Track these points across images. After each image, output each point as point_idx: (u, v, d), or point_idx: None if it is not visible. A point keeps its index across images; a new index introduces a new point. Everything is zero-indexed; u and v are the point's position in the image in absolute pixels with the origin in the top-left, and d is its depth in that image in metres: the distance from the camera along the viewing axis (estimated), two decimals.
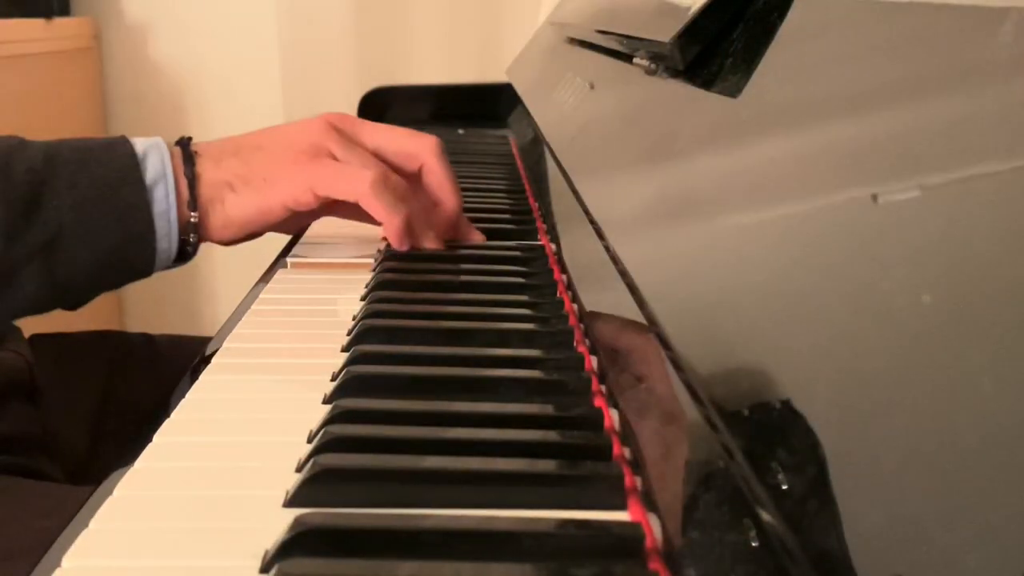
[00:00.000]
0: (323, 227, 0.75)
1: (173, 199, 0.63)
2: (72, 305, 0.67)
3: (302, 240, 0.74)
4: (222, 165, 0.65)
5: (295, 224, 0.73)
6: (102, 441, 0.81)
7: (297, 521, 0.34)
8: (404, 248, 0.65)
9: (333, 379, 0.47)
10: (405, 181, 0.66)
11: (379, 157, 0.66)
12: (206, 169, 0.64)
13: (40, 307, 0.63)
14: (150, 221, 0.62)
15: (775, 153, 0.42)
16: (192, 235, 0.65)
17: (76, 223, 0.61)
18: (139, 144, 0.64)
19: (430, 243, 0.67)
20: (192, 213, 0.64)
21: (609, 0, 0.82)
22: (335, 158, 0.64)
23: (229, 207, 0.65)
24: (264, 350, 0.53)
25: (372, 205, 0.63)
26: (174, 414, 0.44)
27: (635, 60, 0.65)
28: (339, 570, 0.32)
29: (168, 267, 0.68)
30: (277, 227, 0.70)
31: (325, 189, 0.63)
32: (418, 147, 0.68)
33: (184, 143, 0.65)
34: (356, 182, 0.63)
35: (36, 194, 0.60)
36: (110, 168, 0.62)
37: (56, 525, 0.35)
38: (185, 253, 0.67)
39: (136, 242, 0.62)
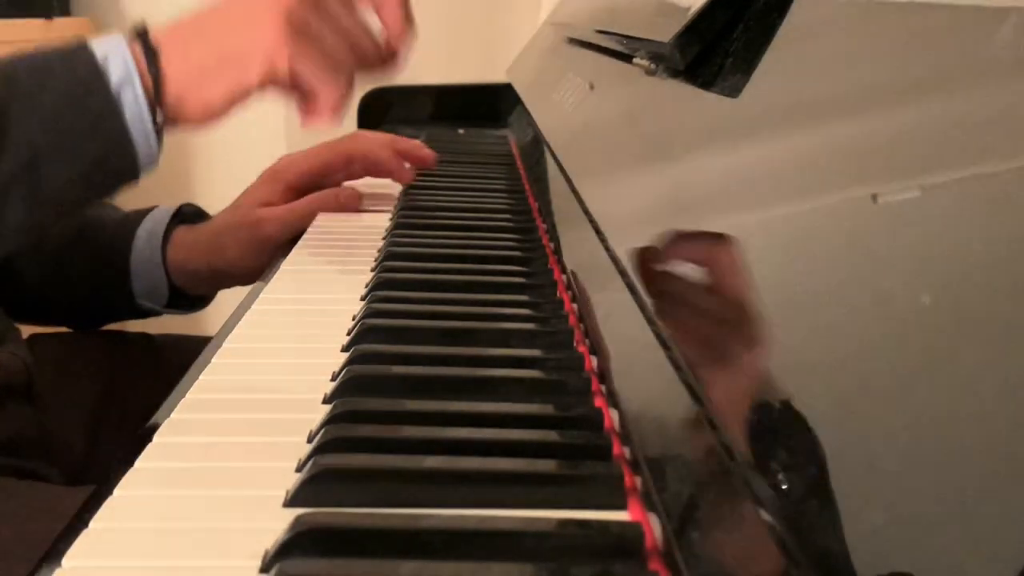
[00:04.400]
0: (324, 225, 0.76)
1: (143, 100, 0.61)
2: (63, 218, 0.66)
3: (307, 234, 0.75)
4: (190, 53, 0.63)
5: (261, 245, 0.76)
6: (101, 443, 0.81)
7: (297, 521, 0.34)
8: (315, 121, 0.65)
9: (333, 379, 0.47)
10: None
11: None
12: (172, 62, 0.62)
13: (32, 230, 0.62)
14: (123, 127, 0.60)
15: (775, 153, 0.42)
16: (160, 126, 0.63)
17: (49, 141, 0.59)
18: (99, 48, 0.61)
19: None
20: (159, 116, 0.62)
21: (609, 0, 0.82)
22: (308, 24, 0.63)
23: (205, 92, 0.62)
24: (264, 350, 0.53)
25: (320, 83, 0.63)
26: (174, 414, 0.44)
27: (635, 60, 0.65)
28: (339, 570, 0.32)
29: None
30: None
31: (301, 67, 0.62)
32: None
33: (143, 34, 0.63)
34: (314, 67, 0.62)
35: (1, 119, 0.58)
36: (72, 80, 0.60)
37: (53, 528, 0.35)
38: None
39: (114, 150, 0.61)
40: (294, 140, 1.39)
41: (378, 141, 0.87)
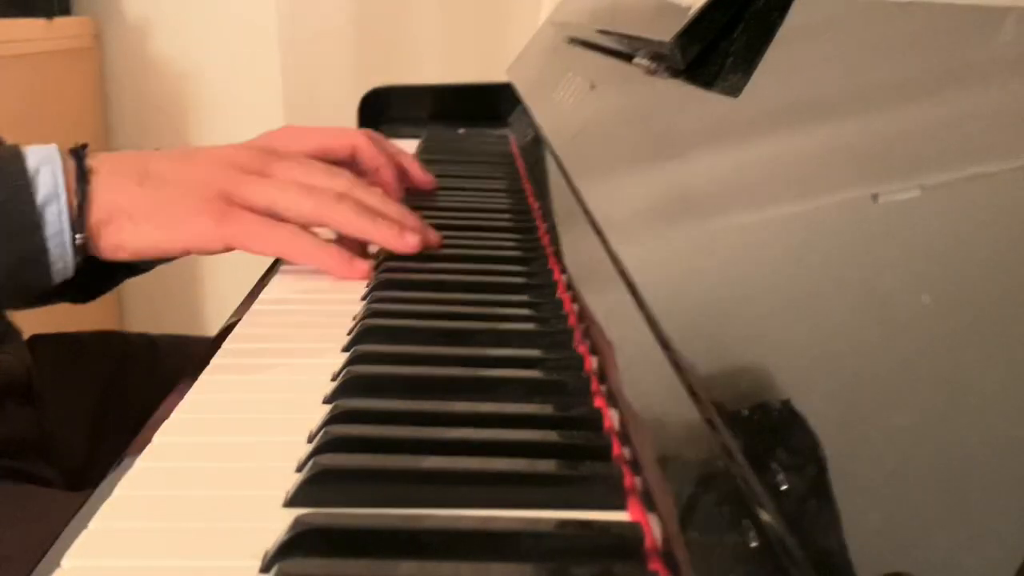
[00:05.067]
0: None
1: (66, 219, 0.60)
2: None
3: None
4: (122, 190, 0.61)
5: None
6: (101, 444, 0.81)
7: (297, 521, 0.34)
8: (352, 273, 0.64)
9: (333, 379, 0.47)
10: (354, 185, 0.65)
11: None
12: (100, 190, 0.61)
13: None
14: (43, 243, 0.60)
15: (775, 153, 0.42)
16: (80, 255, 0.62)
17: None
18: (32, 157, 0.60)
19: (385, 228, 0.65)
20: (78, 235, 0.60)
21: (609, 0, 0.82)
22: (250, 192, 0.62)
23: (124, 234, 0.61)
24: (264, 350, 0.53)
25: (303, 255, 0.63)
26: (174, 414, 0.44)
27: (635, 60, 0.65)
28: (339, 570, 0.32)
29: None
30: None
31: (242, 245, 0.61)
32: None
33: (79, 154, 0.62)
34: (274, 242, 0.62)
35: None
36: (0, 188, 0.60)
37: (52, 531, 0.35)
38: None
39: (30, 264, 0.60)
40: None
41: (383, 151, 0.83)
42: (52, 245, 0.60)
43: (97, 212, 0.61)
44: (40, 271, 0.60)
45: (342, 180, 0.65)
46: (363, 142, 0.78)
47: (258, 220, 0.61)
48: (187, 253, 0.62)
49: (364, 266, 0.64)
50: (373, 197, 0.66)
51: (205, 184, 0.62)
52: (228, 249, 0.62)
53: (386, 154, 0.79)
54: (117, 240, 0.61)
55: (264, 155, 0.65)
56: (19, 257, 0.60)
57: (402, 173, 0.83)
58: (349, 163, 0.80)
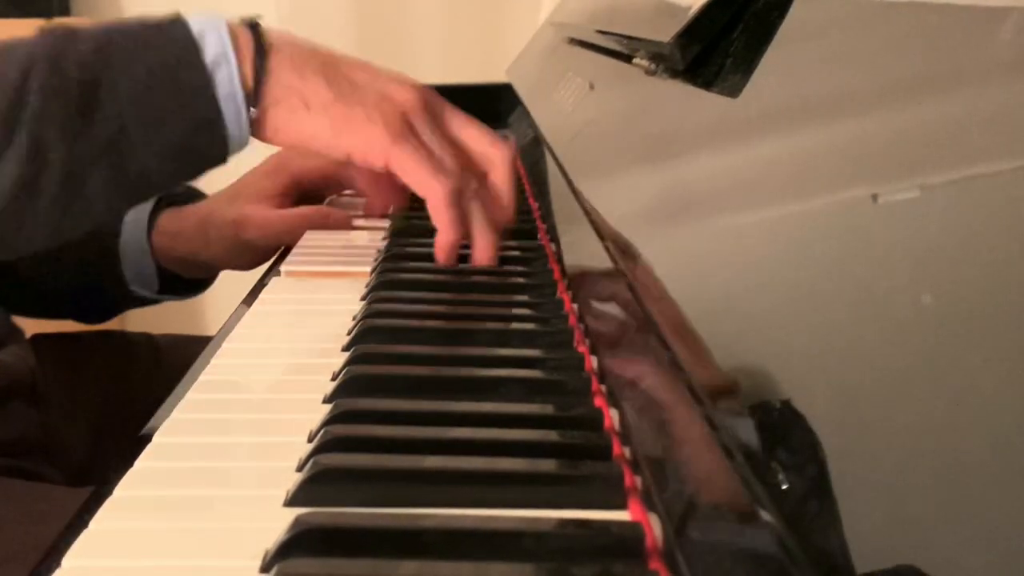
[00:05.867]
0: (316, 236, 0.75)
1: (238, 82, 0.58)
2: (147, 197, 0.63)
3: (296, 248, 0.74)
4: (304, 75, 0.60)
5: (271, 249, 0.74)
6: (103, 444, 0.81)
7: (297, 521, 0.34)
8: (447, 263, 0.62)
9: (333, 379, 0.47)
10: (476, 192, 0.64)
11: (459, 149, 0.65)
12: (282, 68, 0.60)
13: (116, 208, 0.61)
14: (216, 105, 0.58)
15: (775, 153, 0.42)
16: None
17: (137, 115, 0.57)
18: (195, 23, 0.59)
19: (482, 251, 0.63)
20: (252, 108, 0.59)
21: (609, 0, 0.82)
22: (420, 139, 0.61)
23: (296, 120, 0.60)
24: (264, 350, 0.53)
25: (439, 214, 0.61)
26: (174, 414, 0.44)
27: (635, 60, 0.65)
28: (339, 570, 0.32)
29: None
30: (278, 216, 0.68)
31: (402, 170, 0.60)
32: (495, 155, 0.67)
33: (256, 28, 0.60)
34: (435, 183, 0.60)
35: (92, 90, 0.56)
36: (166, 52, 0.58)
37: (54, 530, 0.35)
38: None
39: (204, 128, 0.58)
40: None
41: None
42: (226, 108, 0.58)
43: (274, 90, 0.59)
44: (216, 138, 0.59)
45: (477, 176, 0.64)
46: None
47: (428, 158, 0.60)
48: (346, 158, 0.61)
49: (454, 261, 0.63)
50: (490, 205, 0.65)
51: (392, 102, 0.61)
52: (383, 168, 0.60)
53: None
54: (284, 122, 0.60)
55: (442, 108, 0.65)
56: (193, 121, 0.58)
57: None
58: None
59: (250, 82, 0.59)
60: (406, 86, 0.63)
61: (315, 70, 0.61)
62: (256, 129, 0.60)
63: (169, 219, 0.81)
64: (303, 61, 0.61)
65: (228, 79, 0.58)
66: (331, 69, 0.61)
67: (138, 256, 0.81)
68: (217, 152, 0.60)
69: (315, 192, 0.83)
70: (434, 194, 0.60)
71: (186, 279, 0.84)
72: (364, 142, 0.60)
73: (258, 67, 0.59)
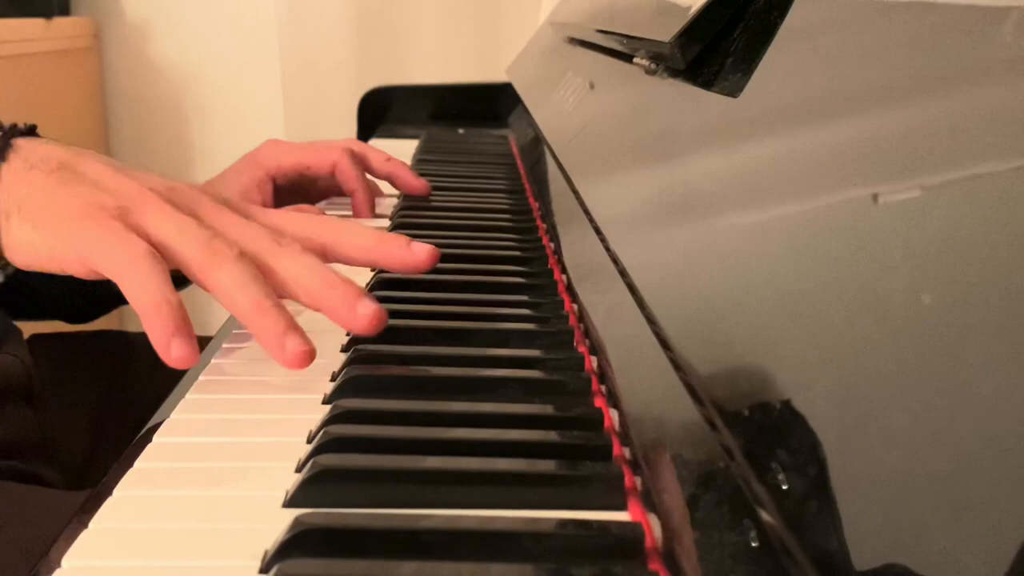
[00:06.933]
0: None
1: None
2: None
3: None
4: (28, 180, 0.51)
5: None
6: (102, 444, 0.81)
7: (297, 521, 0.34)
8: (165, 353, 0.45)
9: (333, 379, 0.47)
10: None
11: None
12: (11, 171, 0.51)
13: None
14: None
15: (775, 153, 0.42)
16: None
17: None
18: None
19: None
20: None
21: (609, 0, 0.82)
22: (143, 225, 0.48)
23: (10, 233, 0.51)
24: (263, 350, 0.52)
25: (133, 299, 0.47)
26: (174, 414, 0.44)
27: (635, 60, 0.65)
28: (339, 570, 0.32)
29: None
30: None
31: (90, 260, 0.48)
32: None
33: (7, 133, 0.53)
34: (115, 264, 0.47)
35: None
36: None
37: (53, 531, 0.35)
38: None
39: None
40: (294, 136, 1.40)
41: (360, 175, 0.81)
42: None
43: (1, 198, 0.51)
44: None
45: (265, 243, 0.50)
46: (344, 162, 0.78)
47: (125, 241, 0.47)
48: (60, 270, 0.50)
49: (185, 349, 0.45)
50: (301, 267, 0.49)
51: (110, 192, 0.49)
52: (90, 275, 0.49)
53: (363, 178, 0.79)
54: (6, 240, 0.51)
55: (201, 195, 0.52)
56: None
57: (395, 180, 0.83)
58: (331, 180, 0.81)
59: None
60: (160, 175, 0.53)
61: (42, 169, 0.51)
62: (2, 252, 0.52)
63: None
64: (38, 162, 0.52)
65: None
66: (63, 166, 0.52)
67: None
68: None
69: (294, 187, 0.82)
70: (133, 284, 0.47)
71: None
72: (57, 244, 0.49)
73: None
